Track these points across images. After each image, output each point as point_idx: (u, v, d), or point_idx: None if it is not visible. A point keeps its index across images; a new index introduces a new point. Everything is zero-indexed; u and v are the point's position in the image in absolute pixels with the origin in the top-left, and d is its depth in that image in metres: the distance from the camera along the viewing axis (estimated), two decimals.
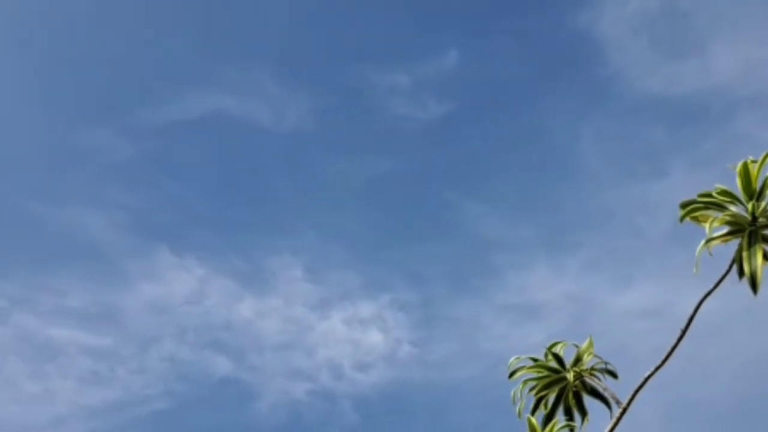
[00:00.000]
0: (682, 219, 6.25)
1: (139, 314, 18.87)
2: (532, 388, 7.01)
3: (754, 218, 6.16)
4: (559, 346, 7.17)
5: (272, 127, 21.30)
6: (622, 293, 17.49)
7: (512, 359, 7.14)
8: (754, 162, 6.19)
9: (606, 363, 7.03)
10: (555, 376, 6.98)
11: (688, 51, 19.03)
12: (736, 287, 6.07)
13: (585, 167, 19.58)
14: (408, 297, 18.84)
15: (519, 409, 6.99)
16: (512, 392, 7.02)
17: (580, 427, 6.94)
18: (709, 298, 6.18)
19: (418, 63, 20.36)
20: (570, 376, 6.94)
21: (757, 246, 6.05)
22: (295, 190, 20.99)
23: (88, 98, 20.59)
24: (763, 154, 6.12)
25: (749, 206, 6.17)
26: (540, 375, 7.02)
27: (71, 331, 18.10)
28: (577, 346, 7.13)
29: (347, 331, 18.87)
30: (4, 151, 19.21)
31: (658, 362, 6.28)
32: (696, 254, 6.09)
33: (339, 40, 20.89)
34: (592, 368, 7.01)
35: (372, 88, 20.65)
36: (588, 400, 7.00)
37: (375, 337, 18.60)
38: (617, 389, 6.77)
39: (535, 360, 7.13)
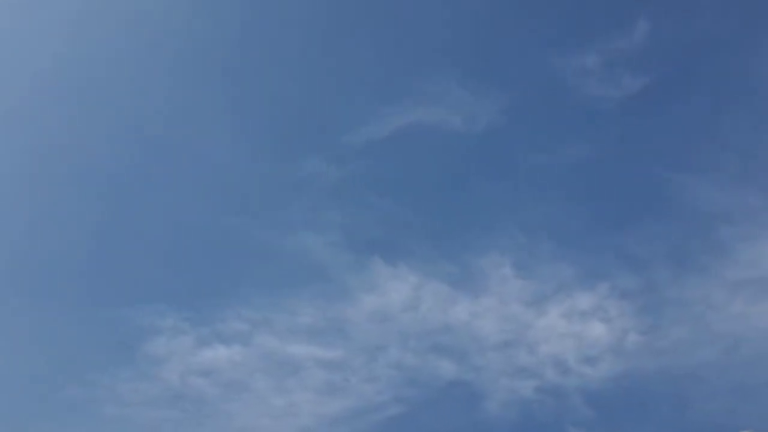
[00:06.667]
0: None
1: (364, 325, 19.82)
2: None
3: None
4: None
5: (466, 130, 21.49)
6: None
7: None
8: None
9: None
10: None
11: None
12: None
13: None
14: (628, 283, 18.09)
15: None
16: None
17: None
18: None
19: (606, 39, 19.49)
20: None
21: None
22: (496, 189, 21.00)
23: (289, 128, 22.07)
24: None
25: None
26: None
27: (306, 347, 19.43)
28: None
29: (567, 325, 18.50)
30: (239, 188, 21.09)
31: None
32: None
33: (521, 31, 20.58)
34: None
35: (560, 74, 20.10)
36: None
37: (598, 329, 18.07)
38: None
39: None
